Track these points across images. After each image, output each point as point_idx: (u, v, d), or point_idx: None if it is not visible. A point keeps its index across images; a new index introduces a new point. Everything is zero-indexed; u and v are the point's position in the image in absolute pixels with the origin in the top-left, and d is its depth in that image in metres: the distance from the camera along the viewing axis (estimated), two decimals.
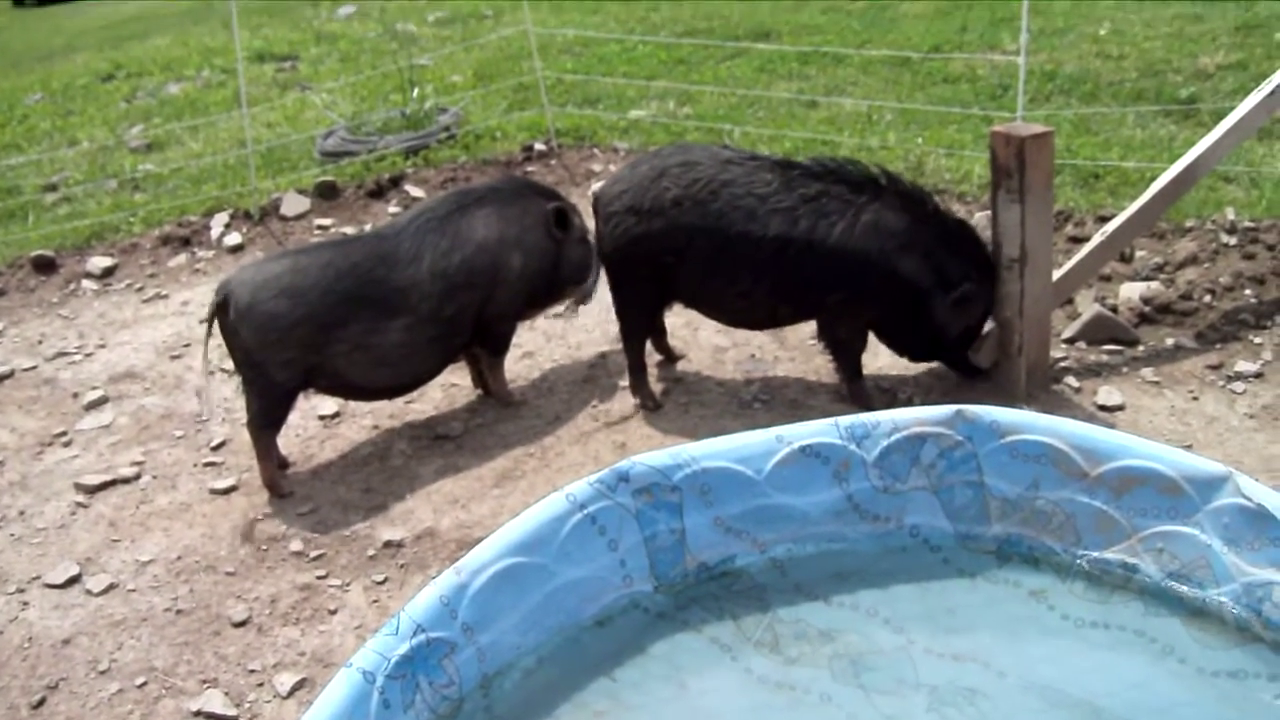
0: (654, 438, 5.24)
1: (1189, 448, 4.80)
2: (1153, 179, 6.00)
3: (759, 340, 5.62)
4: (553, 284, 5.73)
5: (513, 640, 2.92)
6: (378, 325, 5.17)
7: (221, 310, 5.09)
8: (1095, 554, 3.13)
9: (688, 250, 5.16)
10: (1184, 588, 3.02)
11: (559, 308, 6.15)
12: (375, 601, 4.48)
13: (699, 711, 2.88)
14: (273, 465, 5.26)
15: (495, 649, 2.88)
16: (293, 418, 5.56)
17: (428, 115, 10.14)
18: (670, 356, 6.01)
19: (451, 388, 5.96)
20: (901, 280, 5.10)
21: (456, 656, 2.78)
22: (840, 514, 3.24)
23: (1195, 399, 5.23)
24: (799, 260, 5.04)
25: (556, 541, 3.00)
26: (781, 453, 3.18)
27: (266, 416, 5.21)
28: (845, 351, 5.41)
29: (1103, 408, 5.15)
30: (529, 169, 9.12)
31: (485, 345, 5.65)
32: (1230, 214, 6.86)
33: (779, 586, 3.18)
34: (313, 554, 4.81)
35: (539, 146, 9.49)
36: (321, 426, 5.76)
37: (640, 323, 5.60)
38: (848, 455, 3.20)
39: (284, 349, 5.06)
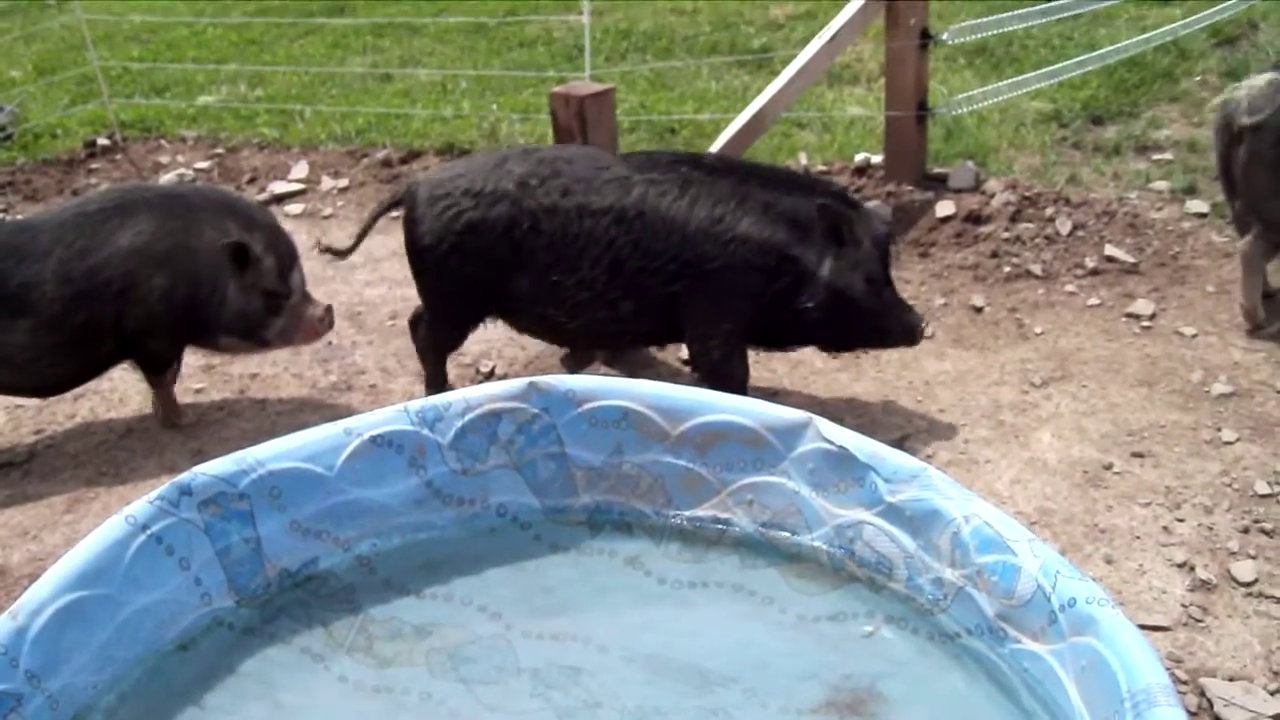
0: (231, 441, 4.91)
1: (775, 394, 4.85)
2: (726, 128, 6.05)
3: (336, 326, 5.37)
4: (207, 324, 5.06)
5: (87, 680, 2.67)
6: (2, 323, 4.78)
7: None
8: (687, 513, 3.12)
9: (530, 237, 4.59)
10: (778, 536, 3.03)
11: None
12: None
13: None
14: None
15: (69, 693, 2.62)
16: None
17: None
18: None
19: (17, 409, 5.51)
20: (758, 248, 4.46)
21: (24, 709, 2.50)
22: (422, 502, 3.10)
23: None
24: (635, 235, 4.53)
25: (120, 568, 2.76)
26: (351, 445, 3.01)
27: None
28: (723, 381, 4.58)
29: (688, 363, 5.14)
30: (93, 166, 8.61)
31: (136, 360, 5.15)
32: (804, 158, 7.03)
33: (368, 585, 3.02)
34: None
35: (102, 141, 8.96)
36: None
37: (454, 335, 5.04)
38: (421, 440, 3.06)
39: None
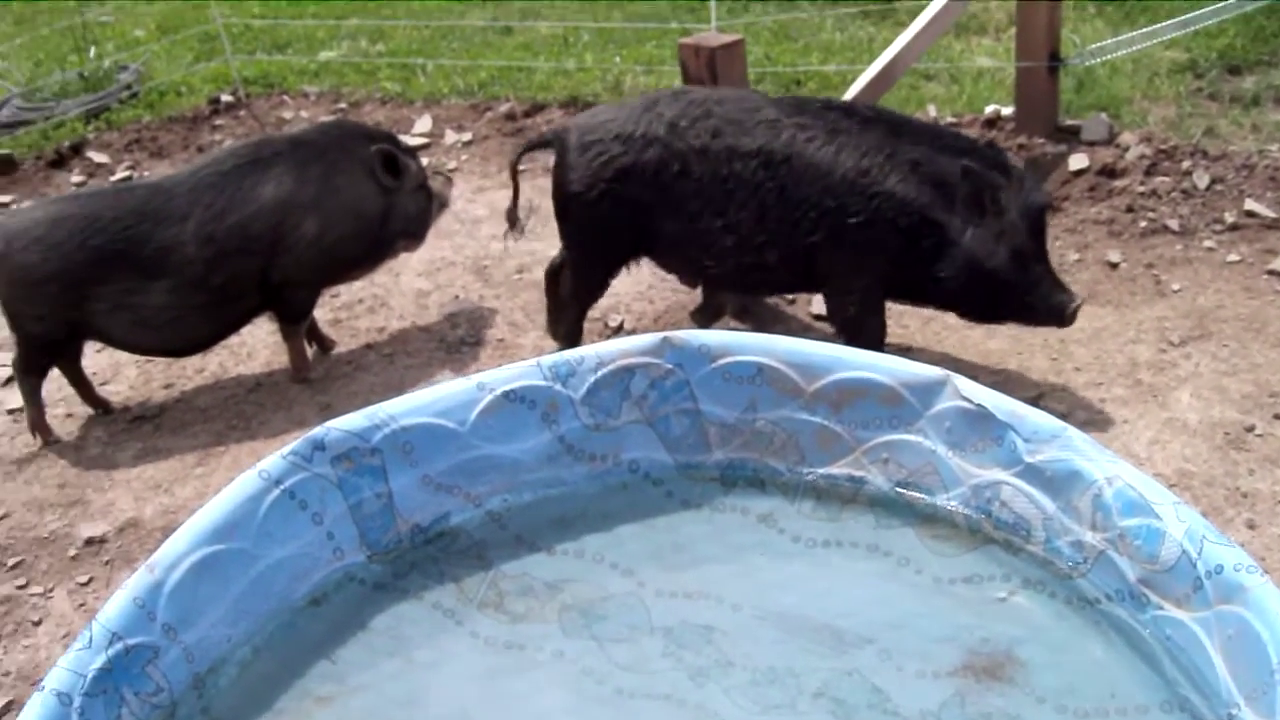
0: (359, 395, 4.98)
1: (908, 350, 4.78)
2: (854, 81, 5.97)
3: (463, 280, 5.40)
4: (378, 242, 5.28)
5: (222, 633, 2.70)
6: (138, 286, 4.86)
7: None
8: (821, 471, 3.07)
9: (679, 181, 4.52)
10: (913, 496, 2.98)
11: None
12: (82, 605, 4.16)
13: (427, 685, 2.70)
14: (38, 410, 5.09)
15: (204, 646, 2.65)
16: None
17: (107, 75, 9.58)
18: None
19: (147, 364, 5.60)
20: (899, 205, 4.32)
21: (161, 661, 2.54)
22: (554, 457, 3.09)
23: None
24: (781, 180, 4.42)
25: (255, 522, 2.77)
26: (484, 401, 3.00)
27: (27, 363, 5.03)
28: (859, 336, 4.45)
29: (819, 318, 5.09)
30: (217, 123, 8.71)
31: (277, 311, 5.24)
32: (932, 110, 6.91)
33: (499, 541, 3.02)
34: (10, 562, 4.43)
35: (226, 98, 9.08)
36: (11, 421, 5.33)
37: (598, 281, 4.97)
38: (554, 396, 3.04)
39: (36, 303, 4.84)
